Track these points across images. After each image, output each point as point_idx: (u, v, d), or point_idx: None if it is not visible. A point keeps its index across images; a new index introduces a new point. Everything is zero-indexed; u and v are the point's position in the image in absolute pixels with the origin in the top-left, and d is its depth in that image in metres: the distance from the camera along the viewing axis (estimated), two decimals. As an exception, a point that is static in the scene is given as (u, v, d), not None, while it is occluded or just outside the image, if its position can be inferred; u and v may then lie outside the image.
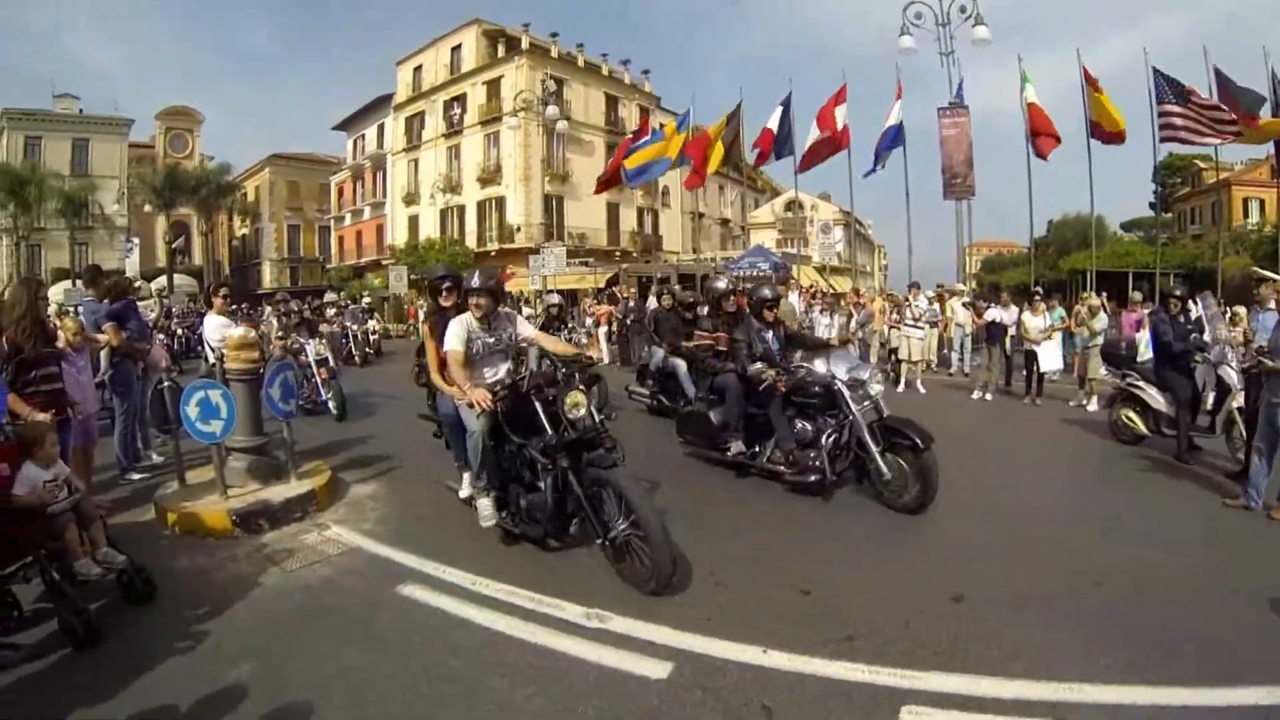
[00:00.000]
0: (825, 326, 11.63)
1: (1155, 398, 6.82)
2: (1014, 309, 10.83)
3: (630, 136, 23.14)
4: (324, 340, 10.35)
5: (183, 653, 3.06)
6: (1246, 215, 37.23)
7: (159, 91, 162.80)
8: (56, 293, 18.76)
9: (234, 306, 10.35)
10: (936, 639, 3.09)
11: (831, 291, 16.54)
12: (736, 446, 5.70)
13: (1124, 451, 6.99)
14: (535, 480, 4.03)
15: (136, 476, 5.93)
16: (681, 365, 8.22)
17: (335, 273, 41.58)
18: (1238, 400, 5.99)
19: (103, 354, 6.37)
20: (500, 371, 4.33)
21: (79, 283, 17.63)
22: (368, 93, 57.67)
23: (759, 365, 5.34)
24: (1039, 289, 11.72)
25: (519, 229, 32.04)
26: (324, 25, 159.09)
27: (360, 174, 42.92)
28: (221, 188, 40.86)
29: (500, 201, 33.31)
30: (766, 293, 6.07)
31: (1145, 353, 7.62)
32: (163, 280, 35.94)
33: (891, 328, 12.07)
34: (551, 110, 25.23)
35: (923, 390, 10.98)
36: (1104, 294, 13.60)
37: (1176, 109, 14.87)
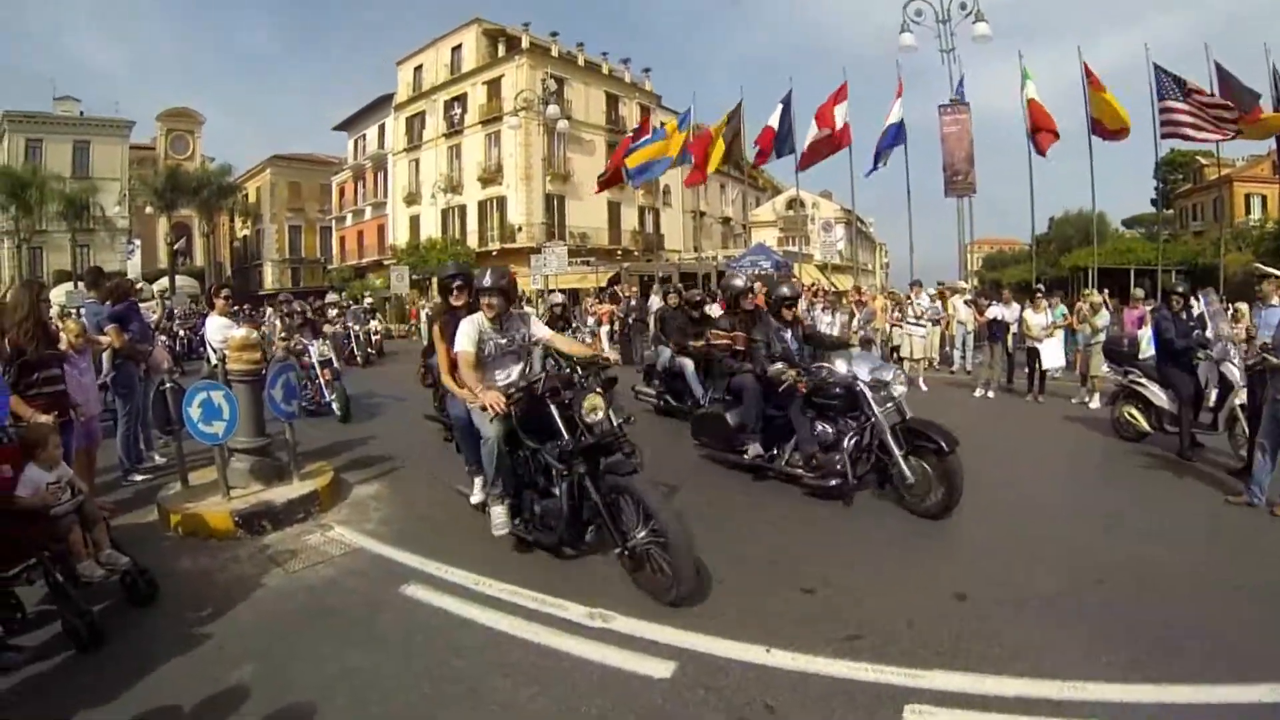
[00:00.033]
0: (827, 325, 11.56)
1: (1157, 395, 6.81)
2: (1016, 306, 10.83)
3: (631, 135, 23.13)
4: (328, 341, 10.33)
5: (185, 654, 3.07)
6: (1248, 211, 37.14)
7: (159, 92, 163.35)
8: (58, 295, 18.83)
9: (236, 307, 10.38)
10: (939, 637, 3.09)
11: (833, 290, 16.52)
12: (754, 449, 5.59)
13: (1126, 449, 6.98)
14: (549, 486, 3.91)
15: (139, 478, 5.94)
16: (689, 365, 8.14)
17: (337, 273, 41.60)
18: (1240, 397, 5.98)
19: (105, 356, 6.38)
20: (513, 374, 4.20)
21: (81, 285, 17.72)
22: (368, 93, 57.83)
23: (779, 365, 5.21)
24: (1041, 286, 11.70)
25: (520, 228, 32.05)
26: (324, 25, 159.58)
27: (361, 174, 42.94)
28: (223, 189, 40.93)
29: (501, 201, 33.31)
30: (785, 291, 5.91)
31: (1147, 350, 7.60)
32: (164, 282, 36.02)
33: (893, 326, 12.07)
34: (552, 109, 25.19)
35: (925, 388, 10.96)
36: (1106, 291, 13.53)
37: (1178, 105, 14.82)
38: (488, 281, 4.02)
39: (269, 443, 5.37)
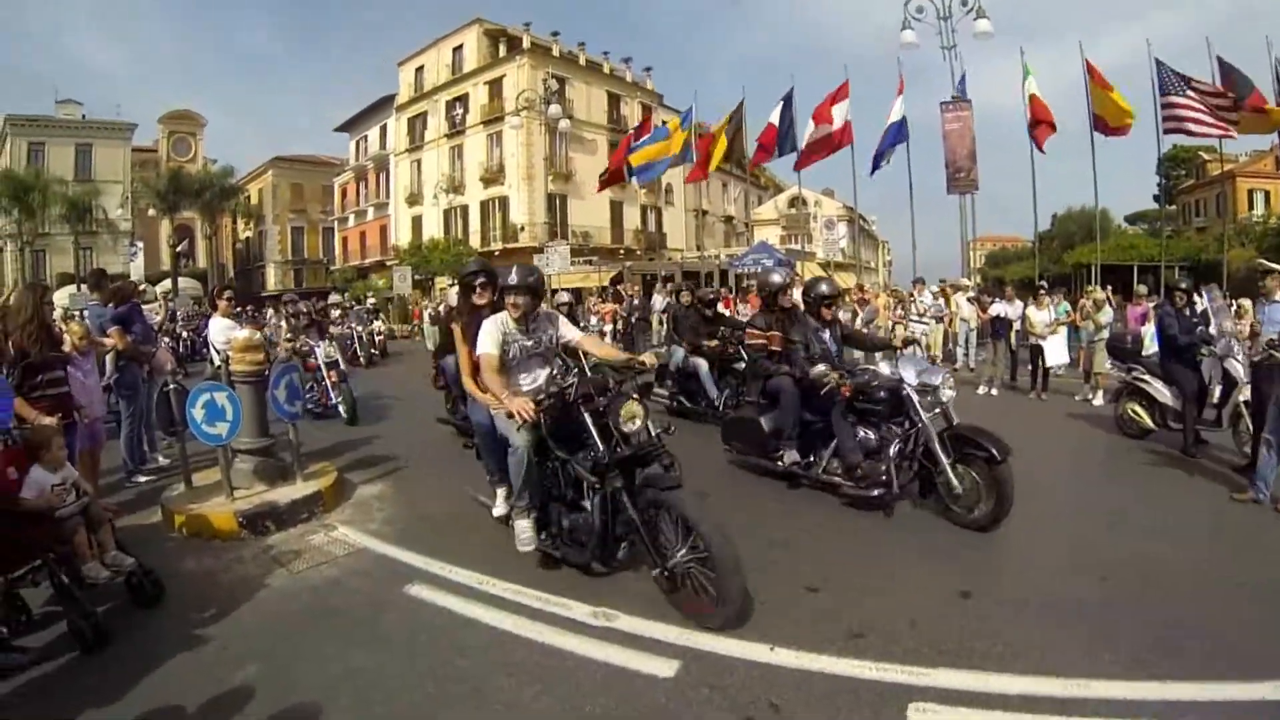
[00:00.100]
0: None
1: (1161, 391, 6.79)
2: (1019, 303, 10.79)
3: (631, 133, 23.10)
4: (333, 342, 10.28)
5: (189, 654, 3.08)
6: (1251, 207, 36.99)
7: (159, 92, 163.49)
8: (62, 297, 18.83)
9: (239, 309, 10.38)
10: (943, 636, 3.08)
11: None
12: (790, 456, 5.28)
13: (1130, 445, 6.97)
14: (579, 499, 3.66)
15: (143, 479, 5.97)
16: (703, 365, 8.03)
17: (339, 274, 41.68)
18: (1244, 393, 5.95)
19: (108, 357, 6.40)
20: (540, 378, 3.89)
21: (84, 287, 17.73)
22: (369, 93, 57.97)
23: (821, 368, 4.88)
24: (1044, 283, 11.67)
25: (523, 228, 32.07)
26: (324, 25, 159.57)
27: (363, 175, 42.99)
28: (225, 191, 40.96)
29: (504, 201, 33.34)
30: (825, 288, 5.50)
31: (1151, 346, 7.58)
32: (167, 283, 36.04)
33: (896, 323, 12.05)
34: (554, 109, 25.20)
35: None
36: (1109, 287, 13.46)
37: (1180, 100, 14.80)
38: (515, 279, 3.72)
39: (272, 443, 5.38)
